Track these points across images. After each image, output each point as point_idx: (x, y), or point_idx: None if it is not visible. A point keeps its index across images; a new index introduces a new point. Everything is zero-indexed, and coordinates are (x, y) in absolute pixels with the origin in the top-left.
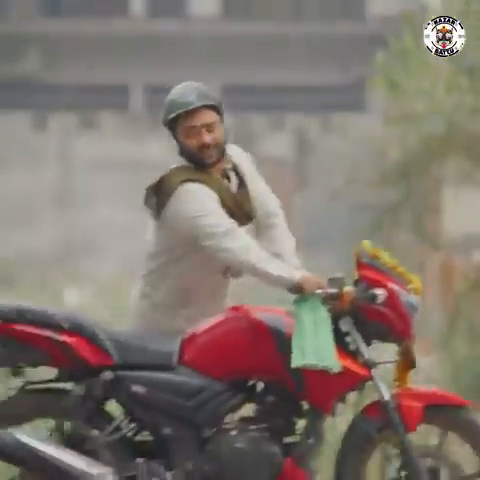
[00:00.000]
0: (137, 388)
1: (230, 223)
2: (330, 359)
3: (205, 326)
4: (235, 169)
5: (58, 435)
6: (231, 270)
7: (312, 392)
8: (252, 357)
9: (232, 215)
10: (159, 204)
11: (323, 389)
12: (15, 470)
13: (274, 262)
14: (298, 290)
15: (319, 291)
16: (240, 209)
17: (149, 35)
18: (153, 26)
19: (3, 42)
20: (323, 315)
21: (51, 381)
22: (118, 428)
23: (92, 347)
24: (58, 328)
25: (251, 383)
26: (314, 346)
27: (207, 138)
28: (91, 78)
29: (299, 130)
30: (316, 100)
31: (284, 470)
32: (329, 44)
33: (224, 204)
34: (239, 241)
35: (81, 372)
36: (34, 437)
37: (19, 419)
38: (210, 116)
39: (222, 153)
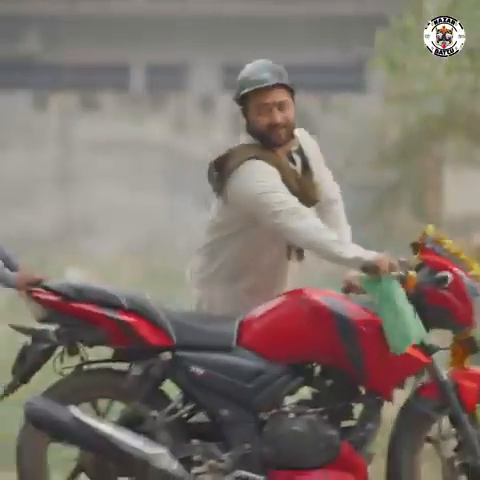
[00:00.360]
0: (196, 369)
1: (296, 201)
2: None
3: (264, 308)
4: (300, 152)
5: (111, 415)
6: (295, 252)
7: (373, 377)
8: (312, 340)
9: (296, 197)
10: (221, 179)
11: (384, 375)
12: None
13: (345, 242)
14: (373, 270)
15: (393, 273)
16: (304, 192)
17: (149, 15)
18: (153, 6)
19: (3, 22)
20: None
21: (108, 361)
22: (175, 409)
23: (152, 327)
24: (118, 307)
25: (309, 366)
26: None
27: (278, 117)
28: (91, 58)
29: (299, 110)
30: (316, 81)
31: (341, 454)
32: (329, 24)
33: (289, 186)
34: (307, 220)
35: (138, 352)
36: (91, 416)
37: (75, 398)
38: (282, 95)
39: (291, 134)
